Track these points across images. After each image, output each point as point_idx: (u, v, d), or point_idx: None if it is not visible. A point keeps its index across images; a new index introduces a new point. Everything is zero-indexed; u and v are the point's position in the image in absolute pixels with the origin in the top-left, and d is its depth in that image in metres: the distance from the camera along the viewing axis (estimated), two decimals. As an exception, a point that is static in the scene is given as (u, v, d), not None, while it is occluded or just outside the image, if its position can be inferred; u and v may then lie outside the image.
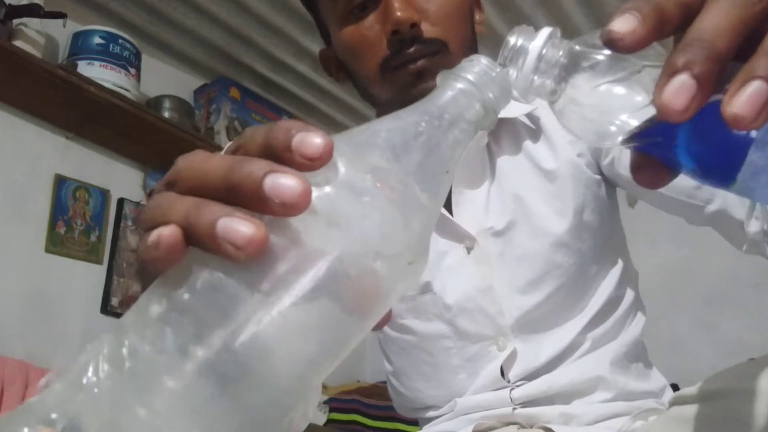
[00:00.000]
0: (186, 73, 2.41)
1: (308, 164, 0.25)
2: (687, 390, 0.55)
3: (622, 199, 0.85)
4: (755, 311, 2.15)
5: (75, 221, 1.94)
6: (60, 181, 1.92)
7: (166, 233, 0.25)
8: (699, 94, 0.27)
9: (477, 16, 0.85)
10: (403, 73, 0.74)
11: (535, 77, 0.33)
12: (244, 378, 0.25)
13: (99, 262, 1.99)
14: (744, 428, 0.48)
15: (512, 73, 0.33)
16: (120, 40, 1.95)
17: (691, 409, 0.53)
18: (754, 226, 0.64)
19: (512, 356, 0.76)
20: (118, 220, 2.06)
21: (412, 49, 0.72)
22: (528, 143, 0.80)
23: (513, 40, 0.33)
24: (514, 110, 0.79)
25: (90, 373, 0.24)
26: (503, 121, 0.79)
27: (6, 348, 1.67)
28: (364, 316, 0.27)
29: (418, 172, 0.28)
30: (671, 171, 0.32)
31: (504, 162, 0.80)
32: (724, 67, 0.27)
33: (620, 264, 0.82)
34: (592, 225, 0.78)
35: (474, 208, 0.79)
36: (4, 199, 1.79)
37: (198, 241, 0.25)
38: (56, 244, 1.88)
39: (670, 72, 0.27)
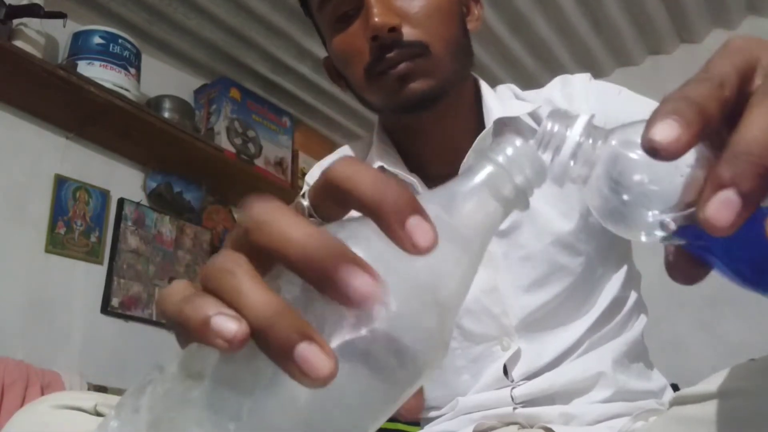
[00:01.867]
0: (186, 74, 2.41)
1: (413, 251, 0.25)
2: (687, 390, 0.55)
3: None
4: (755, 312, 2.15)
5: (75, 222, 1.94)
6: (60, 182, 1.92)
7: (240, 336, 0.23)
8: (745, 210, 0.26)
9: (475, 11, 0.84)
10: (387, 78, 0.73)
11: (572, 163, 0.33)
12: None
13: (99, 262, 1.99)
14: (744, 428, 0.48)
15: (548, 158, 0.33)
16: (120, 40, 1.95)
17: (692, 409, 0.53)
18: None
19: (516, 356, 0.76)
20: (118, 220, 2.06)
21: (392, 54, 0.71)
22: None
23: (550, 125, 0.33)
24: (516, 110, 0.79)
25: None
26: (506, 122, 0.79)
27: (6, 348, 1.67)
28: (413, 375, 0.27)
29: (450, 244, 0.28)
30: (707, 268, 0.32)
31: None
32: None
33: (624, 267, 0.82)
34: (596, 227, 0.78)
35: None
36: (4, 200, 1.79)
37: (267, 349, 0.24)
38: (56, 244, 1.88)
39: (715, 185, 0.26)
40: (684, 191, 0.30)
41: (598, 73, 2.51)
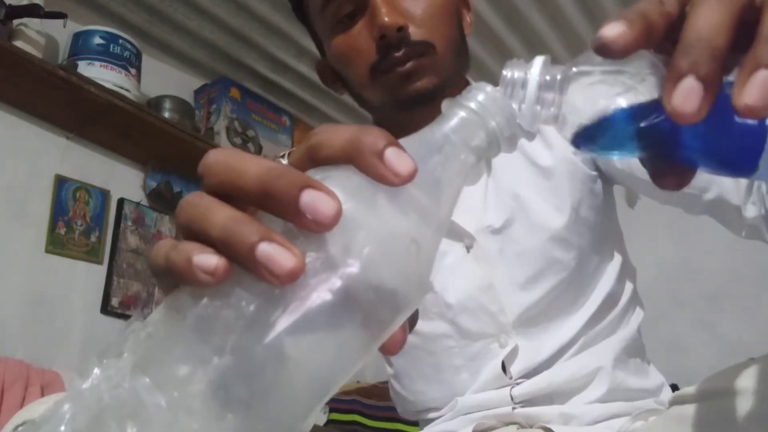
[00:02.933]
0: (186, 74, 2.41)
1: (395, 181, 0.26)
2: (687, 390, 0.55)
3: (619, 196, 0.85)
4: (755, 311, 2.15)
5: (75, 222, 1.94)
6: (60, 182, 1.92)
7: (222, 267, 0.25)
8: (708, 94, 0.27)
9: (467, 18, 0.85)
10: (393, 75, 0.75)
11: (539, 107, 0.33)
12: (269, 408, 0.25)
13: (99, 262, 1.99)
14: (744, 428, 0.48)
15: (516, 106, 0.33)
16: (120, 41, 1.95)
17: (691, 409, 0.53)
18: (751, 211, 0.64)
19: (513, 353, 0.77)
20: (118, 220, 2.06)
21: (399, 52, 0.73)
22: (523, 141, 0.81)
23: (509, 74, 0.33)
24: None
25: (114, 428, 0.23)
26: None
27: (6, 348, 1.67)
28: (386, 319, 0.28)
29: (419, 194, 0.28)
30: (691, 169, 0.33)
31: (500, 160, 0.81)
32: (725, 62, 0.28)
33: (619, 259, 0.82)
34: (588, 220, 0.79)
35: (472, 207, 0.80)
36: (4, 200, 1.79)
37: (235, 258, 0.25)
38: (56, 244, 1.88)
39: (675, 76, 0.28)
40: (649, 98, 0.30)
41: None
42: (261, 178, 0.25)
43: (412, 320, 0.31)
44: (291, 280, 0.24)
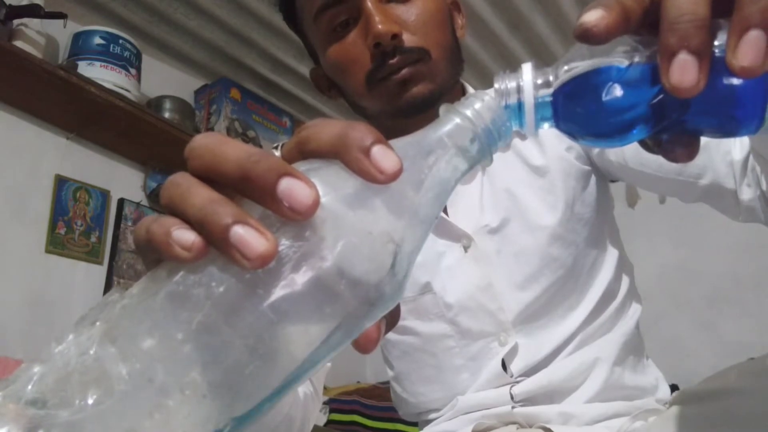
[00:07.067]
0: (187, 74, 2.41)
1: (379, 178, 0.26)
2: (687, 390, 0.55)
3: (618, 197, 0.85)
4: (755, 312, 2.15)
5: (75, 222, 1.94)
6: (60, 182, 1.92)
7: (198, 243, 0.25)
8: (703, 64, 0.28)
9: (459, 21, 0.85)
10: (389, 83, 0.75)
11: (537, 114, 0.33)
12: (239, 399, 0.26)
13: (99, 263, 1.99)
14: (744, 428, 0.48)
15: (513, 114, 0.33)
16: (120, 41, 1.95)
17: (691, 409, 0.53)
18: (747, 193, 0.64)
19: (513, 351, 0.77)
20: (118, 221, 2.06)
21: (394, 60, 0.74)
22: (516, 141, 0.81)
23: (502, 85, 0.33)
24: None
25: (76, 392, 0.24)
26: None
27: (6, 348, 1.67)
28: (363, 308, 0.28)
29: (404, 194, 0.28)
30: (697, 138, 0.33)
31: (494, 160, 0.81)
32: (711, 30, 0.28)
33: (615, 253, 0.83)
34: (583, 217, 0.79)
35: (469, 208, 0.80)
36: (4, 200, 1.79)
37: (210, 238, 0.25)
38: (56, 244, 1.88)
39: (667, 54, 0.28)
40: (647, 78, 0.31)
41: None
42: (240, 163, 0.26)
43: (391, 322, 0.31)
44: (262, 264, 0.24)
